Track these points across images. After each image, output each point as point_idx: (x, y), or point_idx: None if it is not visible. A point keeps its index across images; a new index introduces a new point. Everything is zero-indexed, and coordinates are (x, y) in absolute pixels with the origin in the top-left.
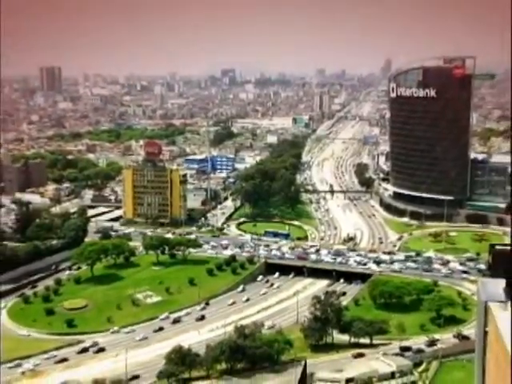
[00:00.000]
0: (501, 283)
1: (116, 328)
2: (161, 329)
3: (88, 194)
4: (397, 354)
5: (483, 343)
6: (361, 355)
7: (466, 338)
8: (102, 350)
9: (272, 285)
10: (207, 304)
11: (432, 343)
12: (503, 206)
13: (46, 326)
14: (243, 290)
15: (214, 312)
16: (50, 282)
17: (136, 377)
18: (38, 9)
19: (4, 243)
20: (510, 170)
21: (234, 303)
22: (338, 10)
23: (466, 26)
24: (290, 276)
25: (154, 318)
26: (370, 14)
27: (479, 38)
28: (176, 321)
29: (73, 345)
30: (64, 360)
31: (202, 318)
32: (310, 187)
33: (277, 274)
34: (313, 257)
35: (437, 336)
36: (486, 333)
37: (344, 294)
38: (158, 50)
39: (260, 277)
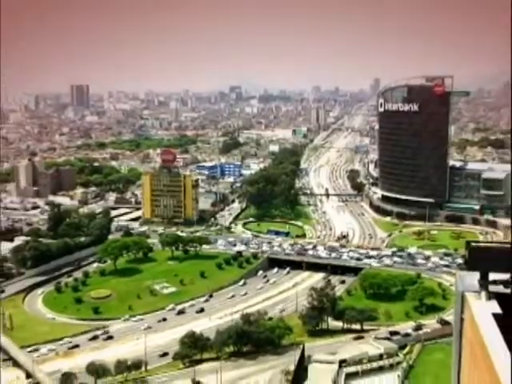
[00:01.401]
0: (475, 276)
1: (127, 316)
2: (181, 312)
3: (111, 197)
4: (385, 338)
5: (460, 328)
6: (360, 338)
7: (447, 323)
8: (110, 337)
9: (273, 277)
10: (211, 296)
11: (418, 328)
12: (477, 207)
13: (75, 313)
14: (245, 284)
15: (223, 302)
16: (78, 274)
17: (166, 354)
18: (41, 11)
19: (39, 240)
20: (485, 175)
21: (234, 295)
22: (333, 22)
23: (466, 26)
24: (290, 269)
25: (168, 306)
26: (369, 13)
27: (478, 38)
28: (181, 312)
29: (99, 329)
30: (94, 338)
31: (202, 310)
32: (307, 191)
33: (277, 268)
34: (310, 252)
35: (421, 322)
36: (462, 319)
37: (343, 281)
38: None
39: (260, 272)
